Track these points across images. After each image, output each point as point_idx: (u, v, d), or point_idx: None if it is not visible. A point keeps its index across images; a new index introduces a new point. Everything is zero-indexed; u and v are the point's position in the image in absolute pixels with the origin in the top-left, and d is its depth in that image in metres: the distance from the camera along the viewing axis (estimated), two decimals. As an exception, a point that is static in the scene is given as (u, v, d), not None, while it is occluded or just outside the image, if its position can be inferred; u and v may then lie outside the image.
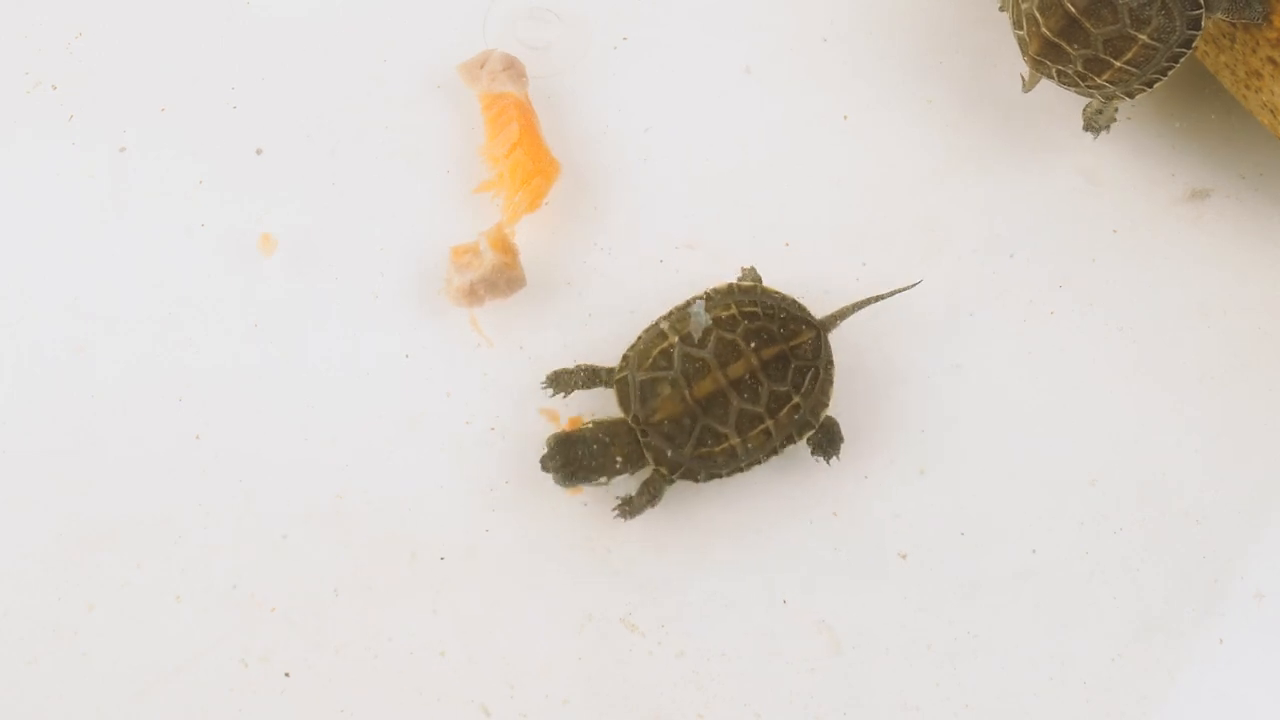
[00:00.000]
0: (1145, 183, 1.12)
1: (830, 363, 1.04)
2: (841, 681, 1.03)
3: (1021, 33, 1.05)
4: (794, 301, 1.04)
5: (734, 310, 1.02)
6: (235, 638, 1.03)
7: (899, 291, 1.06)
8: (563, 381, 1.04)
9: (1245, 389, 1.08)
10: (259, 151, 1.12)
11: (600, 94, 1.13)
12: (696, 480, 1.02)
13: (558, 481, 1.02)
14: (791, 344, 1.02)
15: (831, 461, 1.04)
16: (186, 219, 1.10)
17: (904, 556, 1.05)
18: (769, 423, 1.01)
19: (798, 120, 1.13)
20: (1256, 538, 1.06)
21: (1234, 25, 1.04)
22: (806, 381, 1.02)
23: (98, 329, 1.08)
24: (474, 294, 1.07)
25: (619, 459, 1.02)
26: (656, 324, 1.03)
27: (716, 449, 1.01)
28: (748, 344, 1.01)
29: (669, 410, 1.01)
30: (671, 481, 1.03)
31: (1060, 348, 1.09)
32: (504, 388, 1.07)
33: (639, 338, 1.04)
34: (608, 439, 1.02)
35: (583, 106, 1.13)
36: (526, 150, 1.09)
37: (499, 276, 1.07)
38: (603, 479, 1.02)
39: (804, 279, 1.09)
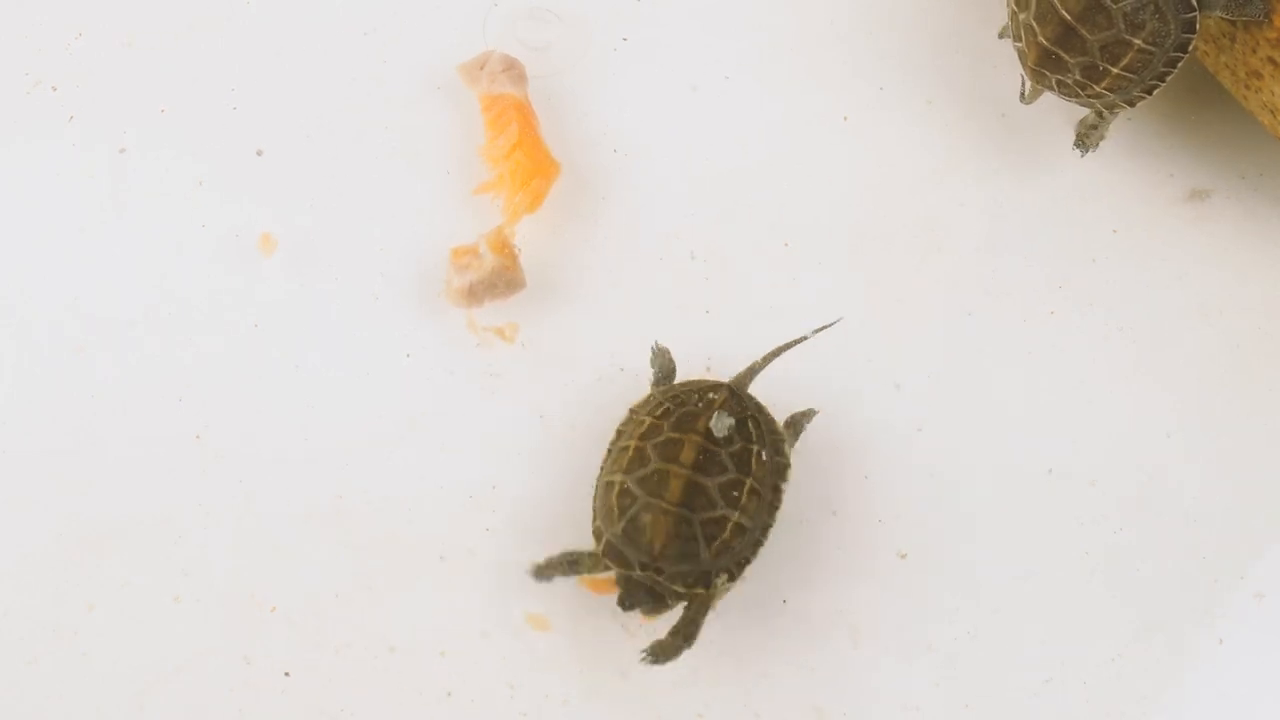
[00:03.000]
0: (1145, 183, 1.12)
1: (759, 406, 1.02)
2: (841, 681, 1.03)
3: (1020, 45, 1.05)
4: (694, 382, 1.03)
5: (647, 420, 1.01)
6: (235, 638, 1.03)
7: (817, 333, 1.04)
8: (547, 570, 1.02)
9: (1245, 389, 1.08)
10: (259, 152, 1.12)
11: (600, 94, 1.13)
12: (733, 579, 1.00)
13: (649, 612, 1.00)
14: (715, 410, 1.00)
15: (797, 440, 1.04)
16: (186, 219, 1.10)
17: (904, 556, 1.05)
18: (749, 481, 1.00)
19: (798, 120, 1.13)
20: (1256, 538, 1.06)
21: (1234, 25, 1.04)
22: (751, 429, 1.01)
23: (98, 329, 1.08)
24: (473, 295, 1.07)
25: (658, 602, 1.00)
26: (599, 480, 1.01)
27: (725, 533, 0.99)
28: (681, 431, 0.99)
29: (661, 530, 0.98)
30: (712, 605, 1.00)
31: (1060, 348, 1.09)
32: (504, 388, 1.07)
33: (593, 508, 1.01)
34: (644, 592, 0.99)
35: (583, 106, 1.13)
36: (526, 151, 1.09)
37: (498, 278, 1.07)
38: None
39: (803, 280, 1.09)
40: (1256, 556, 1.05)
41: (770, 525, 1.00)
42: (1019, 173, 1.12)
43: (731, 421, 1.00)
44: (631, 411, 1.02)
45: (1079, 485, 1.06)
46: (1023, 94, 1.08)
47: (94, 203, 1.11)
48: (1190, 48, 1.02)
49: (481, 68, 1.11)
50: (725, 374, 1.07)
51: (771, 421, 1.02)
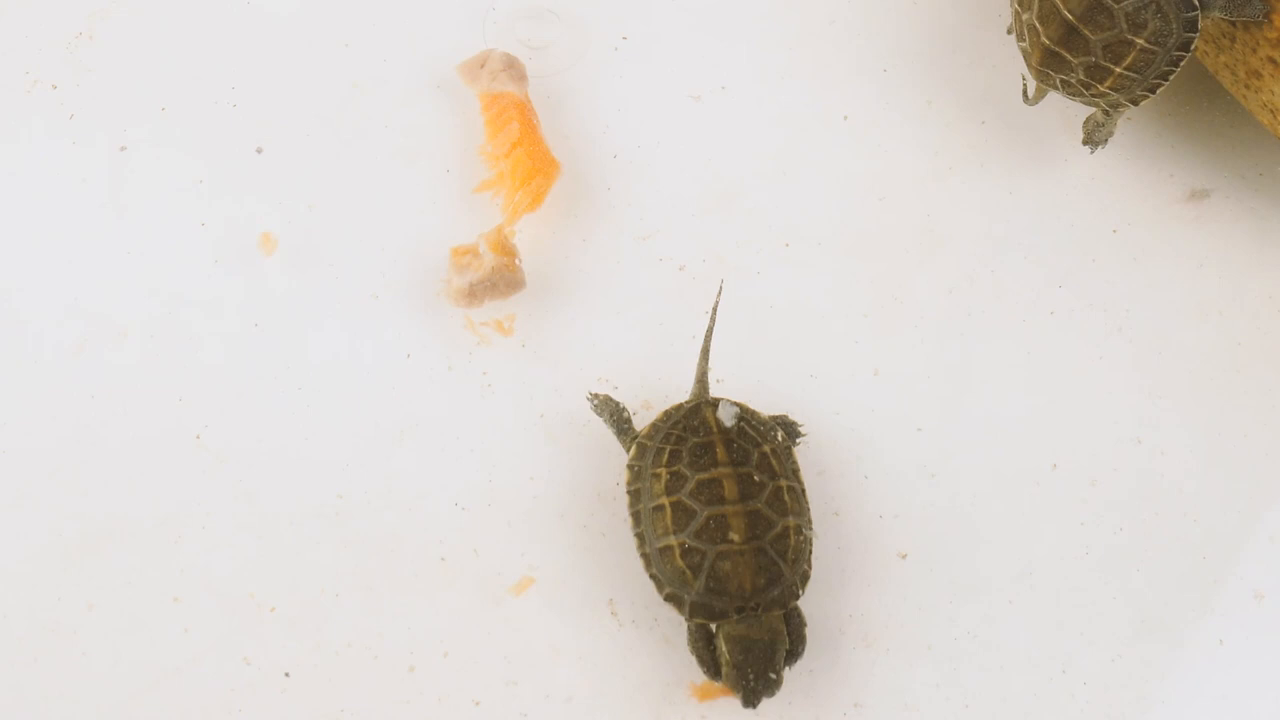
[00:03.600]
0: (1145, 183, 1.12)
1: (736, 404, 1.02)
2: (841, 681, 1.03)
3: (1024, 44, 1.05)
4: (669, 414, 1.02)
5: (663, 473, 1.00)
6: (235, 638, 1.03)
7: (714, 311, 1.04)
8: (603, 407, 1.04)
9: (1245, 389, 1.08)
10: (259, 151, 1.12)
11: (600, 93, 1.13)
12: (808, 576, 1.00)
13: (774, 691, 1.00)
14: (719, 432, 1.00)
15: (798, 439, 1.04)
16: (186, 219, 1.10)
17: (904, 556, 1.05)
18: (781, 481, 1.00)
19: (798, 120, 1.13)
20: (1256, 538, 1.06)
21: (1234, 24, 1.04)
22: (749, 430, 1.01)
23: (98, 329, 1.08)
24: (473, 295, 1.07)
25: (774, 636, 1.00)
26: (648, 548, 1.00)
27: (791, 541, 0.99)
28: (704, 469, 0.99)
29: (748, 570, 0.98)
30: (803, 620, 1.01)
31: (1060, 348, 1.09)
32: (504, 388, 1.07)
33: (653, 577, 0.99)
34: (757, 639, 0.99)
35: (583, 106, 1.13)
36: (526, 150, 1.09)
37: (498, 278, 1.07)
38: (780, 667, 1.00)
39: (806, 284, 1.09)
40: (1256, 556, 1.05)
41: (808, 505, 1.01)
42: (1019, 173, 1.12)
43: (736, 409, 1.01)
44: (632, 469, 1.01)
45: (1079, 485, 1.06)
46: (1026, 94, 1.08)
47: (94, 202, 1.10)
48: (1192, 47, 1.02)
49: (481, 66, 1.11)
50: (725, 374, 1.07)
51: (755, 413, 1.03)
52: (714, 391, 1.05)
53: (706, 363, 1.04)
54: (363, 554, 1.04)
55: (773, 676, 0.99)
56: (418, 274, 1.09)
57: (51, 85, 1.13)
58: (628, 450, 1.02)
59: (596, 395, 1.04)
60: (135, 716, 1.02)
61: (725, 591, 0.98)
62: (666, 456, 1.00)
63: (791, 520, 0.99)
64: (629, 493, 1.01)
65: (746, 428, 1.01)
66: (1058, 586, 1.05)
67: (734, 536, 0.98)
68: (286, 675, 1.03)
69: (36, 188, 1.11)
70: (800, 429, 1.04)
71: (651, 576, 1.00)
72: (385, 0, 1.15)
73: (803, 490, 1.01)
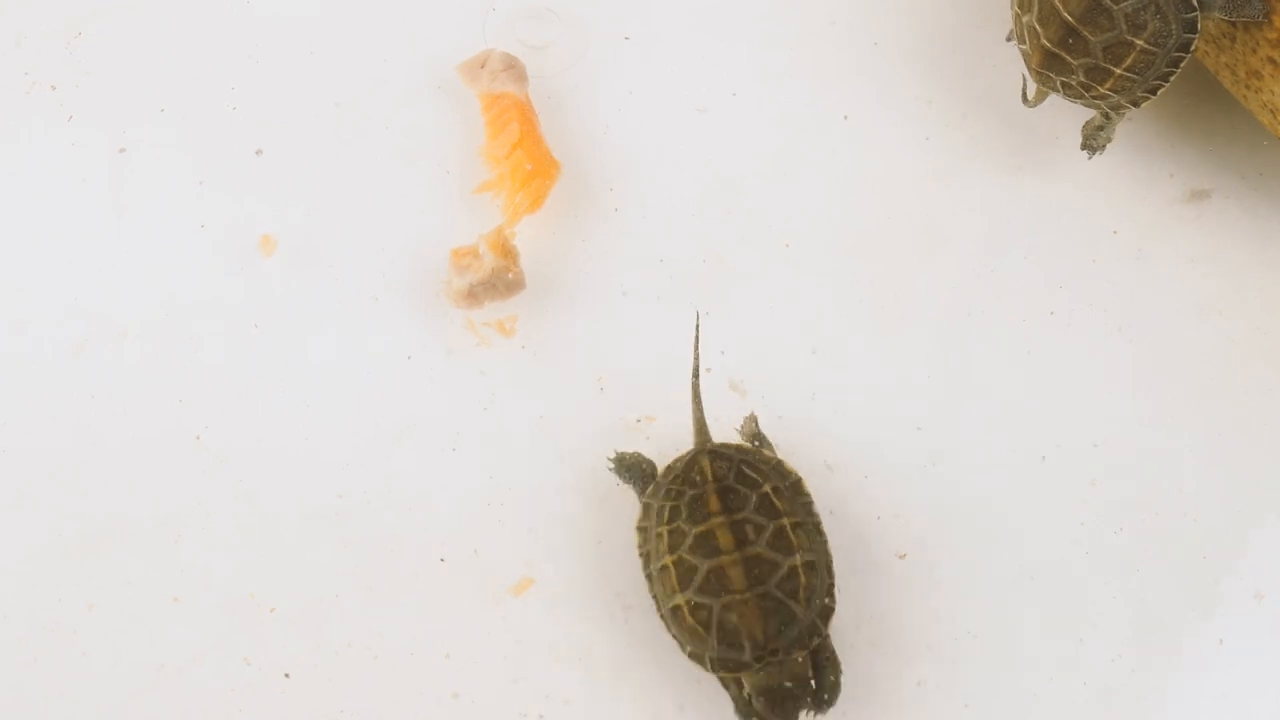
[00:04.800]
0: (1145, 183, 1.12)
1: (739, 447, 1.01)
2: (841, 681, 1.03)
3: (1025, 47, 1.05)
4: (671, 467, 1.01)
5: (664, 531, 0.99)
6: (235, 638, 1.03)
7: (697, 348, 1.03)
8: (625, 466, 1.03)
9: (1245, 389, 1.08)
10: (259, 151, 1.12)
11: (601, 94, 1.13)
12: (833, 603, 0.99)
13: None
14: (713, 481, 0.99)
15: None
16: (186, 219, 1.10)
17: (903, 556, 1.05)
18: (784, 520, 0.99)
19: (798, 120, 1.13)
20: (1256, 538, 1.06)
21: (1234, 25, 1.04)
22: (750, 473, 1.00)
23: (98, 329, 1.08)
24: (473, 296, 1.07)
25: (800, 681, 0.99)
26: (661, 610, 0.99)
27: (801, 580, 0.98)
28: (700, 521, 0.98)
29: (754, 618, 0.97)
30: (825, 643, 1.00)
31: (1060, 348, 1.09)
32: (504, 388, 1.07)
33: (675, 638, 0.99)
34: (777, 685, 0.98)
35: (583, 107, 1.13)
36: (527, 151, 1.09)
37: (498, 279, 1.07)
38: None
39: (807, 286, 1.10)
40: (1256, 556, 1.05)
41: (825, 538, 1.00)
42: (1019, 173, 1.12)
43: (757, 427, 1.02)
44: (641, 531, 1.01)
45: (1079, 485, 1.06)
46: (1025, 96, 1.08)
47: (94, 203, 1.10)
48: (1192, 48, 1.02)
49: (482, 66, 1.11)
50: (726, 373, 1.07)
51: (756, 452, 1.02)
52: (716, 390, 1.05)
53: (700, 408, 1.02)
54: (363, 554, 1.04)
55: None
56: (418, 275, 1.09)
57: (51, 86, 1.13)
58: (640, 509, 1.01)
59: (619, 456, 1.03)
60: (135, 716, 1.02)
61: (738, 643, 0.97)
62: (667, 514, 0.99)
63: (799, 558, 0.98)
64: (640, 556, 1.00)
65: (746, 469, 1.00)
66: (1058, 586, 1.05)
67: (735, 586, 0.97)
68: (286, 675, 1.03)
69: (36, 188, 1.11)
70: (767, 438, 1.03)
71: (673, 637, 0.99)
72: (386, 1, 1.15)
73: (816, 524, 1.00)
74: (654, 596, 0.99)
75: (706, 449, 1.01)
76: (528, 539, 1.05)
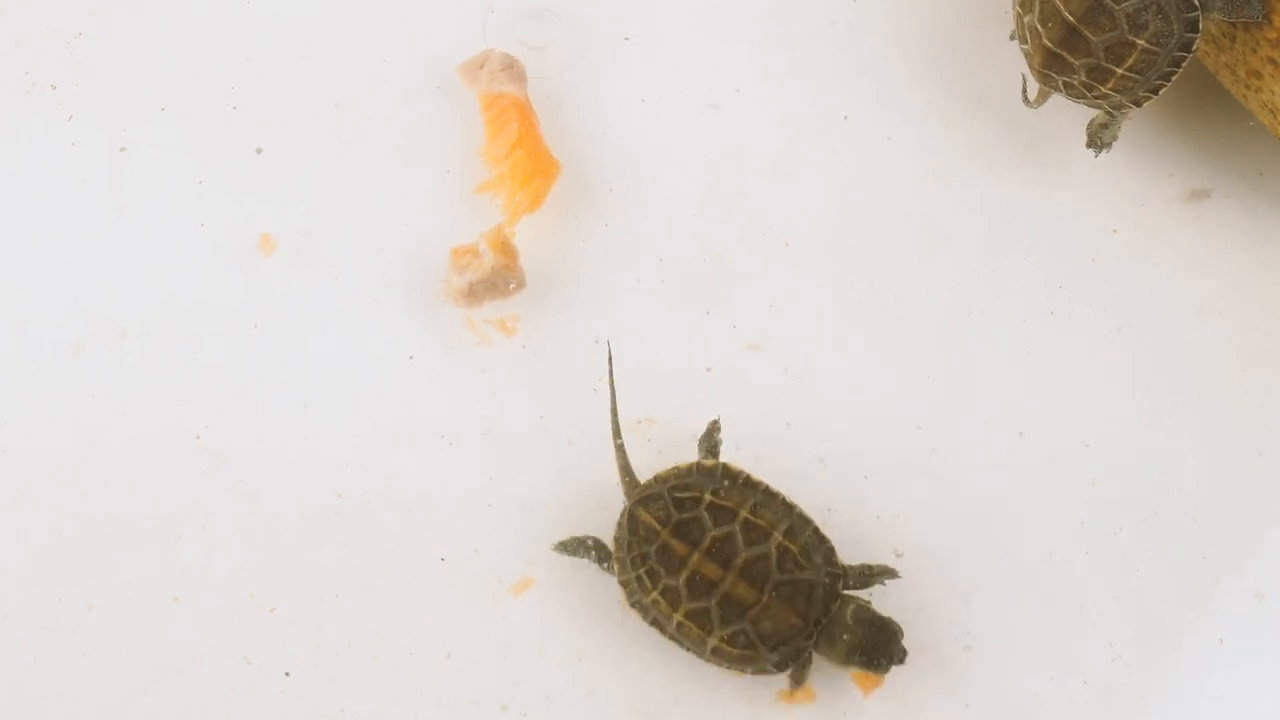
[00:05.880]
0: (1145, 183, 1.12)
1: (696, 484, 1.00)
2: (841, 681, 1.03)
3: (1026, 47, 1.05)
4: (615, 546, 1.01)
5: (656, 595, 0.99)
6: (235, 638, 1.03)
7: (613, 380, 1.03)
8: (573, 549, 1.03)
9: (1245, 389, 1.08)
10: (259, 151, 1.12)
11: (600, 93, 1.13)
12: (842, 572, 1.00)
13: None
14: (662, 528, 0.99)
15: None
16: (186, 219, 1.10)
17: (901, 555, 1.05)
18: (743, 514, 0.99)
19: (798, 120, 1.13)
20: (1256, 538, 1.06)
21: (1234, 25, 1.04)
22: (723, 503, 1.00)
23: (98, 329, 1.08)
24: (473, 295, 1.07)
25: (862, 621, 1.00)
26: (671, 637, 1.00)
27: (796, 551, 0.99)
28: (678, 569, 0.99)
29: (781, 615, 0.98)
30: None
31: (1060, 348, 1.09)
32: (504, 387, 1.07)
33: (725, 663, 1.00)
34: (842, 644, 0.99)
35: (583, 106, 1.13)
36: (526, 150, 1.09)
37: (498, 278, 1.07)
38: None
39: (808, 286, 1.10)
40: (1256, 556, 1.05)
41: (779, 494, 1.00)
42: (1019, 173, 1.12)
43: (719, 435, 1.02)
44: (638, 607, 1.00)
45: (1079, 485, 1.06)
46: (1026, 97, 1.08)
47: (94, 203, 1.10)
48: (1194, 48, 1.02)
49: (481, 67, 1.11)
50: (725, 374, 1.07)
51: (675, 472, 1.01)
52: (717, 389, 1.05)
53: (624, 454, 1.02)
54: (363, 554, 1.04)
55: (886, 658, 0.99)
56: (418, 274, 1.09)
57: (51, 86, 1.13)
58: (622, 590, 1.01)
59: (564, 544, 1.03)
60: (135, 716, 1.02)
61: (786, 639, 0.99)
62: (648, 580, 1.00)
63: (777, 534, 0.99)
64: (652, 625, 1.01)
65: (679, 495, 1.00)
66: (1058, 586, 1.05)
67: (749, 600, 0.98)
68: (286, 675, 1.03)
69: (36, 188, 1.11)
70: (718, 436, 1.03)
71: (729, 669, 1.00)
72: (385, 1, 1.15)
73: (765, 489, 1.00)
74: (689, 650, 1.00)
75: (636, 500, 1.01)
76: (528, 539, 1.05)
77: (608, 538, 1.02)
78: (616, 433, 1.02)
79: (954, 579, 1.05)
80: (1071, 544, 1.05)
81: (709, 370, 1.07)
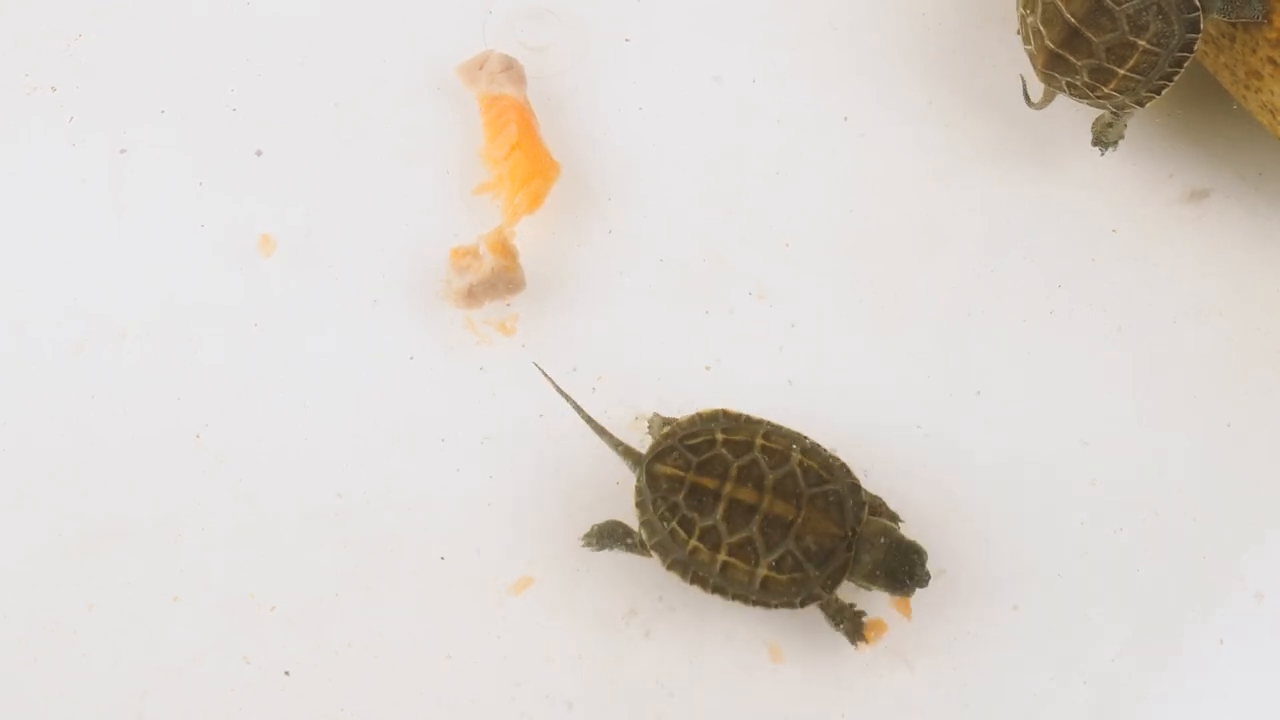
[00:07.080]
0: (1145, 183, 1.12)
1: (679, 468, 1.01)
2: (841, 682, 1.03)
3: (1030, 48, 1.05)
4: (640, 511, 1.02)
5: (694, 541, 0.99)
6: (235, 637, 1.03)
7: (569, 396, 1.03)
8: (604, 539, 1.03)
9: (1245, 389, 1.08)
10: (259, 152, 1.12)
11: (600, 94, 1.13)
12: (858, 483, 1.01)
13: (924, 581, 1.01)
14: (685, 472, 1.00)
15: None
16: (186, 220, 1.10)
17: (903, 557, 1.05)
18: (759, 440, 1.00)
19: (798, 120, 1.13)
20: (1256, 538, 1.06)
21: (1234, 25, 1.04)
22: (698, 437, 1.01)
23: (98, 329, 1.08)
24: (473, 296, 1.07)
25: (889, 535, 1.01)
26: (709, 584, 1.01)
27: (818, 467, 1.00)
28: (713, 506, 0.99)
29: (821, 528, 0.99)
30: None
31: (1060, 348, 1.09)
32: (504, 387, 1.07)
33: (774, 601, 1.01)
34: (878, 551, 1.00)
35: (583, 107, 1.13)
36: (526, 152, 1.09)
37: (498, 279, 1.07)
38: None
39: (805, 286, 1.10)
40: (1256, 556, 1.05)
41: (789, 429, 1.01)
42: (1019, 173, 1.12)
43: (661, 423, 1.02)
44: (677, 565, 1.00)
45: (1079, 485, 1.06)
46: (1028, 97, 1.09)
47: (94, 203, 1.10)
48: (1195, 48, 1.02)
49: (480, 67, 1.11)
50: (726, 373, 1.07)
51: (676, 425, 1.01)
52: (715, 391, 1.05)
53: (607, 433, 1.03)
54: (363, 554, 1.04)
55: (910, 578, 1.00)
56: (418, 275, 1.09)
57: (51, 87, 1.13)
58: (655, 554, 1.01)
59: (590, 535, 1.03)
60: (135, 716, 1.02)
61: (830, 552, 0.99)
62: (683, 531, 1.00)
63: (796, 455, 1.00)
64: (696, 581, 1.00)
65: (691, 441, 1.00)
66: (1058, 587, 1.05)
67: (790, 516, 0.99)
68: (286, 675, 1.03)
69: (36, 189, 1.11)
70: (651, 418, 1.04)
71: (778, 607, 1.00)
72: (385, 1, 1.15)
73: (770, 422, 1.01)
74: (738, 597, 1.00)
75: (647, 460, 1.01)
76: (528, 539, 1.05)
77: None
78: (589, 421, 1.03)
79: (953, 579, 1.05)
80: (1071, 544, 1.05)
81: (708, 370, 1.07)
